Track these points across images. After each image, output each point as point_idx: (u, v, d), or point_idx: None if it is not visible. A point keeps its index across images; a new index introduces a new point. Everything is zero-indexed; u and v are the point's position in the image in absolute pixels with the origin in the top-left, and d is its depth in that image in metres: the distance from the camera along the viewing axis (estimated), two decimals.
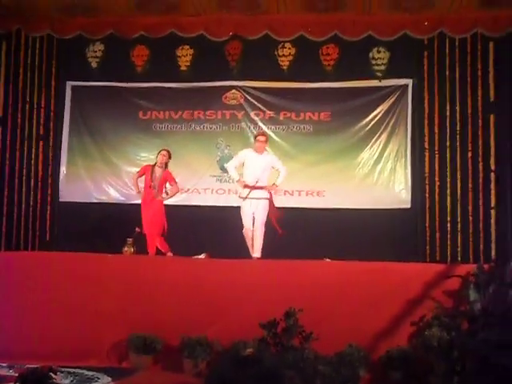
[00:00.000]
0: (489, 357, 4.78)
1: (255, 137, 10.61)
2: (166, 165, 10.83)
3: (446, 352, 5.80)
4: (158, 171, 10.76)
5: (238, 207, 10.46)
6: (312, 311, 6.94)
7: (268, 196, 10.25)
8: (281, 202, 11.37)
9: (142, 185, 10.84)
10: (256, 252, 10.07)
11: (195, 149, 12.33)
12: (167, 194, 10.87)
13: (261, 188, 10.18)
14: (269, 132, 12.14)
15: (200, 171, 12.33)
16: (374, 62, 11.95)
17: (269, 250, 10.05)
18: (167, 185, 10.84)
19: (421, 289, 7.56)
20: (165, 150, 10.88)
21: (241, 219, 10.23)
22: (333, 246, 10.58)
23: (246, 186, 10.18)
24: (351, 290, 7.66)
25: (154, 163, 10.87)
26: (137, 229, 10.46)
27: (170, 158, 10.85)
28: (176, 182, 10.87)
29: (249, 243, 10.15)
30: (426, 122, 11.77)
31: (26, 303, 8.02)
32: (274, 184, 10.31)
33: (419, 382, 6.40)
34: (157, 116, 12.63)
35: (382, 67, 11.93)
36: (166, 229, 10.55)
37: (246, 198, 10.16)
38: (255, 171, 10.21)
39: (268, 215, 10.18)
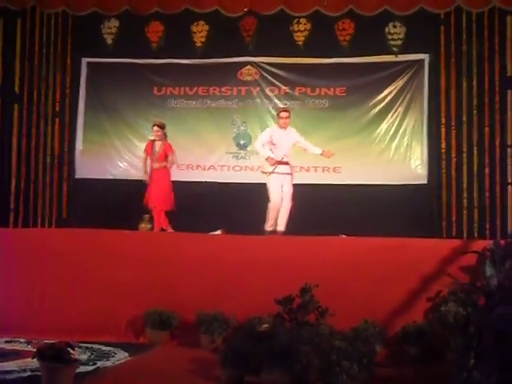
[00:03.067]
0: (505, 332, 4.77)
1: (278, 113, 10.61)
2: (165, 136, 10.83)
3: (462, 327, 5.77)
4: (158, 144, 10.80)
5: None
6: (328, 287, 6.94)
7: (291, 171, 10.30)
8: (296, 178, 11.36)
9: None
10: (280, 225, 10.11)
11: (211, 125, 12.33)
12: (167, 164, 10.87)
13: (286, 163, 10.23)
14: (284, 107, 12.10)
15: (216, 148, 12.33)
16: (390, 36, 11.88)
17: (288, 226, 10.08)
18: (169, 158, 10.87)
19: (437, 264, 7.54)
20: (155, 124, 10.88)
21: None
22: (348, 222, 10.59)
23: (274, 163, 10.18)
24: (367, 265, 7.64)
25: (153, 139, 10.92)
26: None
27: (163, 128, 10.84)
28: (173, 152, 10.86)
29: (272, 218, 10.14)
30: (442, 97, 11.71)
31: (44, 279, 8.06)
32: (323, 151, 10.47)
33: (435, 358, 6.40)
34: (172, 92, 12.64)
35: (398, 42, 11.86)
36: (174, 204, 10.59)
37: (271, 173, 10.17)
38: (282, 147, 10.25)
39: None
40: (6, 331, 7.60)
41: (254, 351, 5.52)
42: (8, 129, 12.37)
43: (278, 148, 10.24)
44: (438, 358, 6.27)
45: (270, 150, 10.26)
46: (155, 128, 10.81)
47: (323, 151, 10.46)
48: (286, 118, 10.34)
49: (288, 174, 10.29)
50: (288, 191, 10.24)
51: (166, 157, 10.79)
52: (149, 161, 10.92)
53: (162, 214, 10.54)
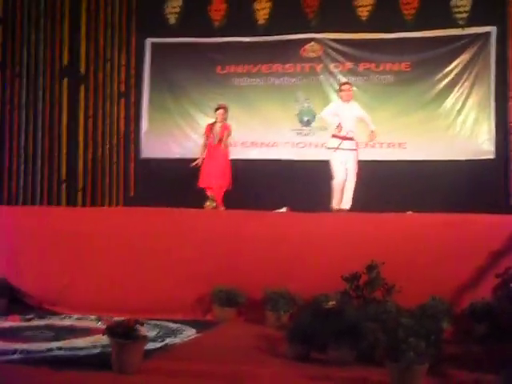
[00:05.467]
0: None
1: (340, 87, 10.54)
2: (226, 119, 10.89)
3: None
4: (218, 126, 10.85)
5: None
6: (394, 264, 6.89)
7: (356, 147, 10.22)
8: (362, 155, 11.29)
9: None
10: (346, 203, 10.04)
11: (274, 102, 12.31)
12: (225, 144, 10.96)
13: (351, 139, 10.14)
14: None
15: (279, 125, 12.31)
16: (455, 9, 11.71)
17: (353, 203, 10.03)
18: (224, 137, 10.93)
19: (505, 240, 7.43)
20: (221, 107, 10.91)
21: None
22: (415, 198, 10.50)
23: (336, 136, 10.11)
24: (434, 242, 7.57)
25: (213, 121, 10.95)
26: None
27: (226, 112, 10.92)
28: (229, 132, 10.96)
29: (337, 196, 10.08)
30: (510, 71, 11.47)
31: (113, 258, 8.18)
32: (372, 132, 10.31)
33: (504, 335, 6.32)
34: (235, 70, 12.67)
35: (464, 15, 11.67)
36: (231, 183, 10.65)
37: (336, 148, 10.09)
38: (346, 121, 10.12)
39: None
40: (76, 309, 7.77)
41: (321, 328, 5.53)
42: (75, 110, 12.54)
43: (343, 122, 10.10)
44: (506, 335, 6.19)
45: (334, 123, 10.19)
46: (221, 111, 10.87)
47: (372, 132, 10.31)
48: (349, 90, 10.25)
49: (353, 149, 10.17)
50: (352, 168, 10.12)
51: (223, 137, 10.87)
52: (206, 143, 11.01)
53: (220, 192, 10.62)
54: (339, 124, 10.08)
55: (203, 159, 10.90)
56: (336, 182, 10.10)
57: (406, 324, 4.91)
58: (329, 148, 10.26)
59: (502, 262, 7.20)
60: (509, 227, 7.56)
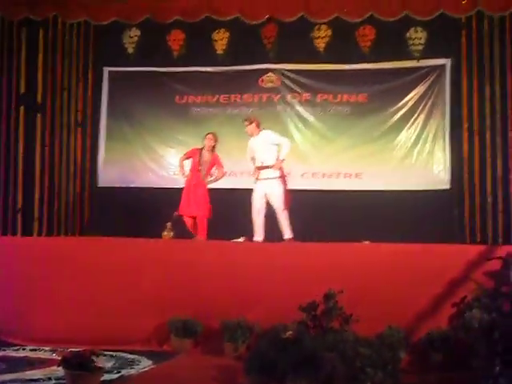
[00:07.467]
0: None
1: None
2: (214, 148, 10.84)
3: (486, 333, 5.75)
4: (206, 155, 10.75)
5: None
6: (351, 293, 6.92)
7: (279, 174, 10.24)
8: (318, 184, 11.41)
9: (187, 168, 10.86)
10: (287, 234, 10.04)
11: (232, 132, 12.29)
12: (211, 177, 10.86)
13: (267, 167, 10.17)
14: (306, 115, 12.24)
15: (237, 155, 12.31)
16: (411, 42, 11.86)
17: (306, 233, 10.04)
18: (213, 169, 10.85)
19: (461, 270, 7.49)
20: (211, 133, 10.84)
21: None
22: (372, 228, 10.54)
23: (256, 170, 10.28)
24: (391, 272, 7.62)
25: (201, 147, 10.86)
26: (175, 213, 10.48)
27: (216, 141, 10.84)
28: (222, 167, 10.87)
29: (258, 229, 10.10)
30: (464, 102, 11.63)
31: (68, 288, 8.10)
32: (278, 159, 10.23)
33: (460, 364, 6.36)
34: (194, 100, 12.71)
35: (420, 47, 11.84)
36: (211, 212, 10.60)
37: (256, 179, 10.24)
38: (257, 154, 10.28)
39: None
40: (31, 340, 7.67)
41: (279, 358, 5.51)
42: (31, 139, 12.42)
43: (256, 156, 10.30)
44: (462, 364, 6.22)
45: (252, 160, 10.39)
46: (210, 136, 10.74)
47: (279, 160, 10.22)
48: (247, 125, 10.38)
49: (275, 178, 10.19)
50: (278, 196, 10.12)
51: (212, 167, 10.83)
52: (188, 165, 10.94)
53: (204, 222, 10.54)
54: (252, 157, 10.35)
55: (186, 185, 10.81)
56: (253, 212, 10.16)
57: (363, 354, 4.92)
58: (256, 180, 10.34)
59: (457, 292, 7.26)
60: (464, 257, 7.64)
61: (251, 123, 10.37)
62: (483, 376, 4.61)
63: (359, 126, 12.19)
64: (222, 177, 10.96)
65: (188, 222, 10.59)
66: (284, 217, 10.08)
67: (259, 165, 10.23)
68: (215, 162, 10.81)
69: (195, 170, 10.73)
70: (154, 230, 10.23)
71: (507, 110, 11.34)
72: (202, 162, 10.72)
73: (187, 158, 10.89)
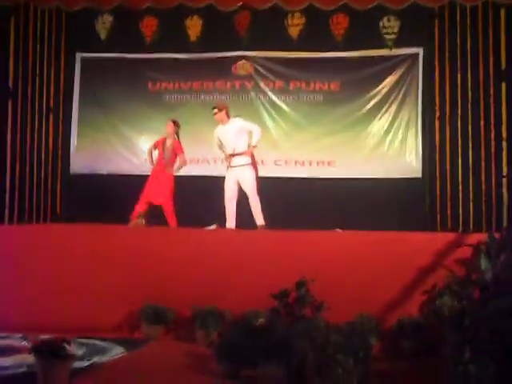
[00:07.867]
0: (500, 325, 4.78)
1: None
2: (177, 135, 10.82)
3: (457, 321, 5.79)
4: (169, 142, 10.77)
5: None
6: (323, 281, 6.93)
7: (251, 161, 10.26)
8: (291, 172, 11.40)
9: (156, 158, 10.86)
10: (259, 220, 10.07)
11: (205, 119, 12.23)
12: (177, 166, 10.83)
13: (239, 154, 10.18)
14: (279, 102, 12.22)
15: (209, 142, 12.26)
16: (384, 30, 11.90)
17: (279, 221, 10.04)
18: (179, 158, 10.81)
19: (432, 258, 7.53)
20: (170, 120, 10.85)
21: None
22: (344, 216, 10.61)
23: (228, 158, 10.26)
24: (362, 260, 7.64)
25: (164, 136, 10.87)
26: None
27: (178, 126, 10.81)
28: (183, 153, 10.84)
29: (229, 216, 10.13)
30: (436, 90, 11.72)
31: (39, 276, 8.04)
32: (250, 146, 10.25)
33: (430, 351, 6.40)
34: (166, 87, 12.67)
35: (393, 36, 11.87)
36: (173, 201, 10.57)
37: (228, 167, 10.26)
38: (228, 141, 10.25)
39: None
40: (1, 327, 7.60)
41: (251, 345, 5.52)
42: (2, 125, 12.32)
43: (227, 143, 10.27)
44: (433, 351, 6.27)
45: (222, 149, 10.40)
46: (169, 122, 10.78)
47: (251, 146, 10.25)
48: (216, 113, 10.34)
49: (247, 164, 10.22)
50: (248, 184, 10.15)
51: (175, 156, 10.80)
52: (155, 154, 10.92)
53: (170, 209, 10.52)
54: (219, 145, 10.40)
55: (151, 173, 10.80)
56: (225, 199, 10.20)
57: (334, 341, 4.93)
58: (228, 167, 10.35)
59: (428, 279, 7.30)
60: (436, 245, 7.68)
61: (220, 111, 10.33)
62: (453, 363, 4.64)
63: (332, 113, 12.23)
64: (183, 164, 10.92)
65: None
66: (255, 203, 10.08)
67: (231, 152, 10.21)
68: (176, 149, 10.79)
69: (160, 158, 10.74)
70: (125, 218, 10.19)
71: (479, 98, 11.42)
72: (165, 149, 10.72)
73: (155, 149, 10.88)
